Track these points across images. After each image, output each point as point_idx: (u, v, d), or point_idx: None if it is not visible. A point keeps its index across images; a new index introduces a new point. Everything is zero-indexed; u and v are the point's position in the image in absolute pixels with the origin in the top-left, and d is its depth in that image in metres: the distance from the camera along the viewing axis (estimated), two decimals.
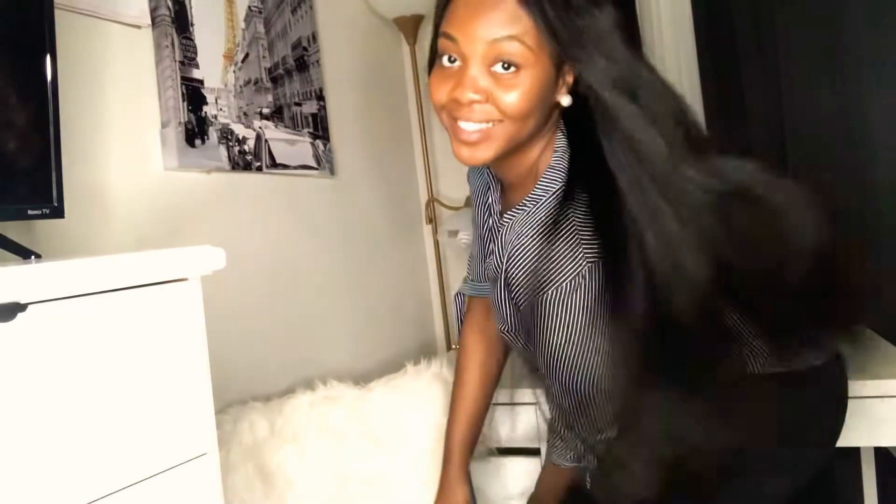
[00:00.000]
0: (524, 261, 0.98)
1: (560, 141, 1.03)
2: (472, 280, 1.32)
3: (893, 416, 1.40)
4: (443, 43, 0.98)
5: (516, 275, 0.99)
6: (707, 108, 1.97)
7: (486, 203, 1.18)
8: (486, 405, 1.33)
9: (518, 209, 1.01)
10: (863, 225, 1.88)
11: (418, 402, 1.41)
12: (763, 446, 1.04)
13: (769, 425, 1.03)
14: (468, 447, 1.31)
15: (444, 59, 0.98)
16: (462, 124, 0.97)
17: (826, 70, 1.89)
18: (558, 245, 0.96)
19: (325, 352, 1.72)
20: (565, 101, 0.99)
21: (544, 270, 0.96)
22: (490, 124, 0.96)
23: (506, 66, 0.94)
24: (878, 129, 1.86)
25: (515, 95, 0.94)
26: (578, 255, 0.94)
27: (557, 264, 0.95)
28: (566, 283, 0.95)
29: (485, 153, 0.98)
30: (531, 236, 0.97)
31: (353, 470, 1.35)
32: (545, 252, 0.96)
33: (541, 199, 0.99)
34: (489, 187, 1.17)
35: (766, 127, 1.95)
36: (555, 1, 0.92)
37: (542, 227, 0.97)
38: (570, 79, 0.99)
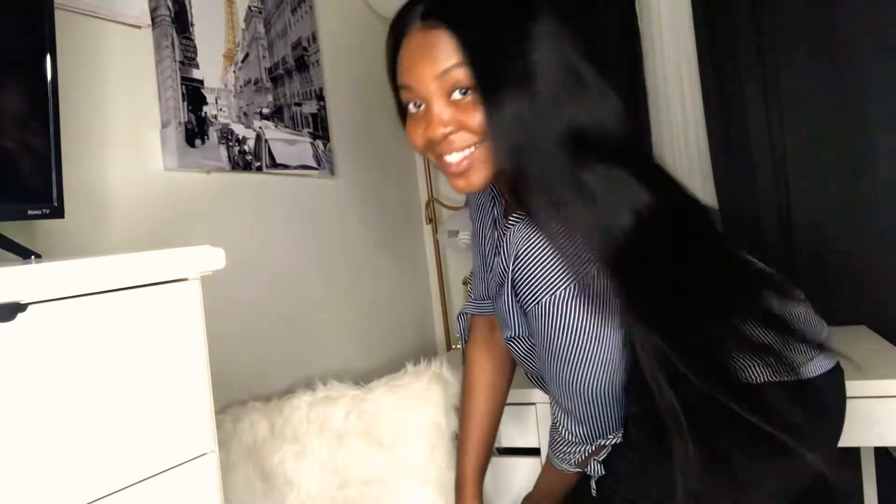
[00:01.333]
0: (531, 263, 0.98)
1: None
2: (475, 298, 1.33)
3: (893, 416, 1.40)
4: (403, 94, 1.03)
5: (523, 277, 0.99)
6: (707, 108, 1.98)
7: (490, 217, 1.18)
8: (497, 425, 1.33)
9: (521, 213, 1.02)
10: (861, 225, 1.88)
11: (418, 402, 1.41)
12: (767, 456, 1.04)
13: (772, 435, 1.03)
14: (483, 472, 1.31)
15: (411, 107, 1.03)
16: (448, 158, 1.01)
17: (826, 68, 1.89)
18: (563, 247, 0.96)
19: (325, 352, 1.72)
20: None
21: (549, 273, 0.96)
22: (473, 149, 0.99)
23: (462, 91, 0.97)
24: (879, 128, 1.86)
25: (481, 115, 0.96)
26: (583, 257, 0.95)
27: (562, 267, 0.96)
28: (571, 286, 0.95)
29: (477, 177, 1.00)
30: (534, 240, 0.98)
31: (353, 470, 1.35)
32: (550, 254, 0.96)
33: None
34: (494, 201, 1.17)
35: (765, 126, 1.95)
36: (477, 26, 0.95)
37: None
38: None
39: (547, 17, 0.97)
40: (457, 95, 0.97)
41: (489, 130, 0.96)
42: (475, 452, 1.30)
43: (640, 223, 0.94)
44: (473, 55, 0.94)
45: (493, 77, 0.94)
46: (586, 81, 0.98)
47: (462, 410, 1.34)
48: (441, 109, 0.98)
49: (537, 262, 0.97)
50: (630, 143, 1.04)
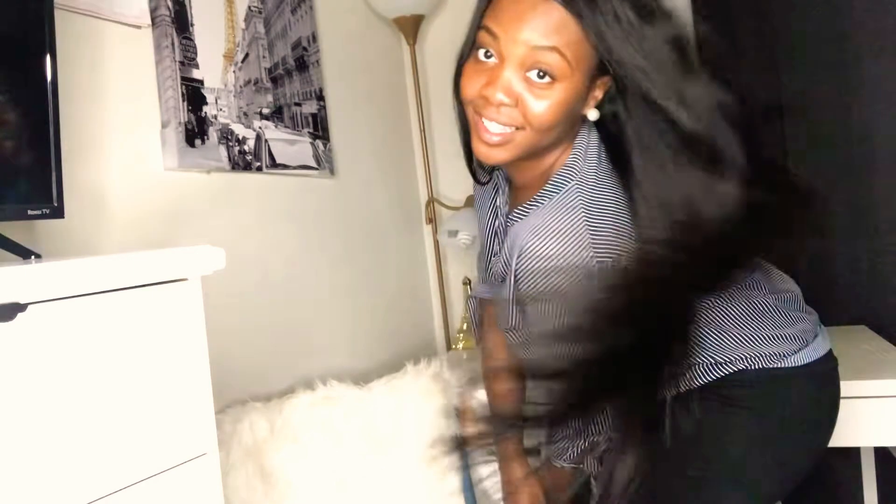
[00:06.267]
0: (535, 258, 0.98)
1: (579, 145, 1.03)
2: (482, 281, 1.33)
3: (893, 416, 1.40)
4: (483, 37, 0.97)
5: (526, 272, 0.99)
6: None
7: (492, 205, 1.18)
8: (523, 399, 1.33)
9: (530, 205, 1.02)
10: (861, 226, 1.88)
11: (418, 402, 1.41)
12: (759, 443, 1.04)
13: (767, 422, 1.04)
14: (521, 442, 1.30)
15: (481, 53, 0.98)
16: (487, 123, 0.98)
17: (826, 64, 1.89)
18: (567, 243, 0.96)
19: (325, 352, 1.72)
20: (592, 115, 1.01)
21: (553, 268, 0.96)
22: (512, 129, 0.97)
23: (541, 74, 0.94)
24: (879, 123, 1.86)
25: (544, 106, 0.95)
26: (587, 255, 0.95)
27: (566, 263, 0.96)
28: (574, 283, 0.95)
29: (502, 155, 0.99)
30: (544, 232, 0.98)
31: (353, 470, 1.35)
32: (555, 250, 0.96)
33: (552, 196, 1.00)
34: (497, 189, 1.17)
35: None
36: (606, 15, 0.92)
37: (553, 223, 0.98)
38: (599, 94, 1.00)
39: (665, 23, 0.95)
40: (533, 75, 0.94)
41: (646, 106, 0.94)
42: None
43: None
44: (602, 37, 0.92)
45: (624, 55, 0.92)
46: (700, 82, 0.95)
47: (486, 387, 1.33)
48: (512, 76, 0.95)
49: (541, 258, 0.97)
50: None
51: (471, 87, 0.98)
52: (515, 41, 0.93)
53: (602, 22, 0.92)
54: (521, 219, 1.02)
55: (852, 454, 1.80)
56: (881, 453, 1.78)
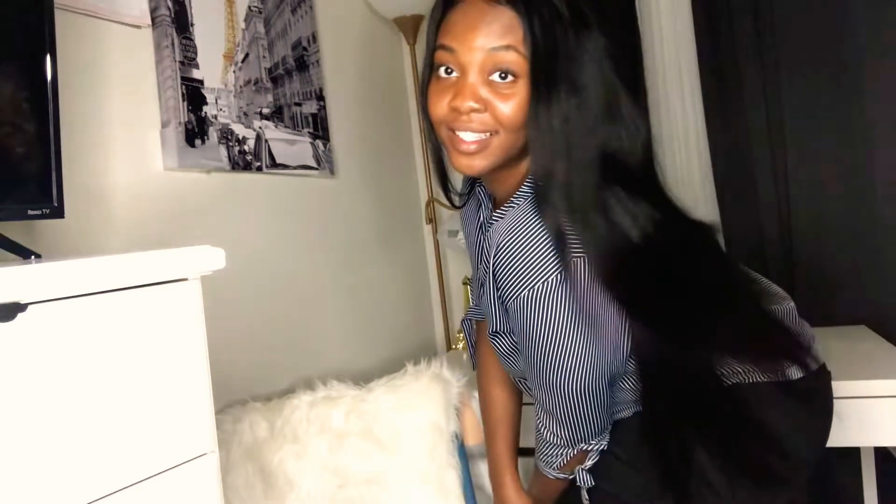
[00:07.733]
0: (511, 256, 0.98)
1: None
2: (477, 304, 1.33)
3: (893, 416, 1.40)
4: (440, 55, 1.00)
5: (503, 271, 0.99)
6: (707, 108, 1.97)
7: (478, 221, 1.18)
8: (519, 406, 1.33)
9: (506, 208, 1.02)
10: (861, 226, 1.88)
11: (418, 402, 1.41)
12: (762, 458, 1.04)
13: (767, 435, 1.04)
14: (515, 452, 1.32)
15: (441, 71, 1.00)
16: (461, 134, 0.99)
17: (826, 68, 1.89)
18: (542, 241, 0.96)
19: (325, 352, 1.72)
20: None
21: (529, 266, 0.96)
22: (487, 135, 0.98)
23: (503, 75, 0.96)
24: (878, 130, 1.86)
25: (511, 106, 0.96)
26: (562, 250, 0.95)
27: (541, 259, 0.96)
28: (552, 278, 0.95)
29: (481, 163, 1.00)
30: (517, 232, 0.98)
31: (353, 470, 1.35)
32: (529, 247, 0.97)
33: (527, 197, 1.00)
34: (480, 206, 1.17)
35: (765, 126, 1.95)
36: (543, 18, 0.94)
37: (527, 222, 0.98)
38: None
39: (600, 36, 0.98)
40: (496, 77, 0.96)
41: (531, 123, 0.96)
42: (504, 435, 1.30)
43: (649, 243, 0.97)
44: (536, 46, 0.93)
45: (549, 73, 0.94)
46: (622, 109, 0.99)
47: (481, 401, 1.35)
48: (477, 83, 0.97)
49: (518, 256, 0.98)
50: (650, 173, 1.04)
51: (439, 105, 1.00)
52: (472, 48, 0.96)
53: (539, 20, 0.94)
54: (498, 221, 1.02)
55: (852, 454, 1.80)
56: (881, 453, 1.78)
